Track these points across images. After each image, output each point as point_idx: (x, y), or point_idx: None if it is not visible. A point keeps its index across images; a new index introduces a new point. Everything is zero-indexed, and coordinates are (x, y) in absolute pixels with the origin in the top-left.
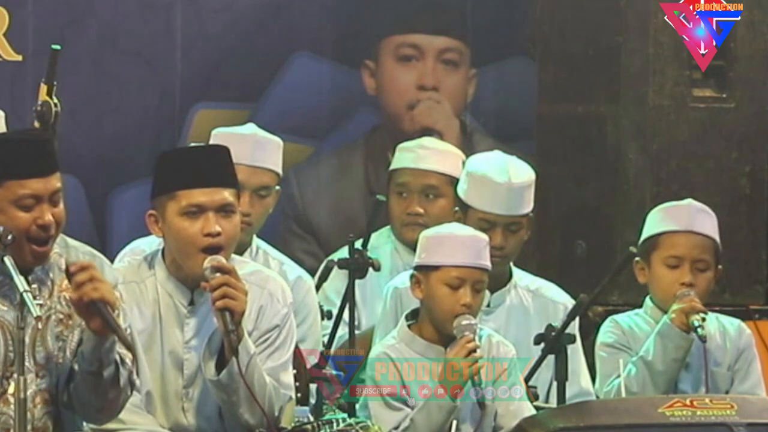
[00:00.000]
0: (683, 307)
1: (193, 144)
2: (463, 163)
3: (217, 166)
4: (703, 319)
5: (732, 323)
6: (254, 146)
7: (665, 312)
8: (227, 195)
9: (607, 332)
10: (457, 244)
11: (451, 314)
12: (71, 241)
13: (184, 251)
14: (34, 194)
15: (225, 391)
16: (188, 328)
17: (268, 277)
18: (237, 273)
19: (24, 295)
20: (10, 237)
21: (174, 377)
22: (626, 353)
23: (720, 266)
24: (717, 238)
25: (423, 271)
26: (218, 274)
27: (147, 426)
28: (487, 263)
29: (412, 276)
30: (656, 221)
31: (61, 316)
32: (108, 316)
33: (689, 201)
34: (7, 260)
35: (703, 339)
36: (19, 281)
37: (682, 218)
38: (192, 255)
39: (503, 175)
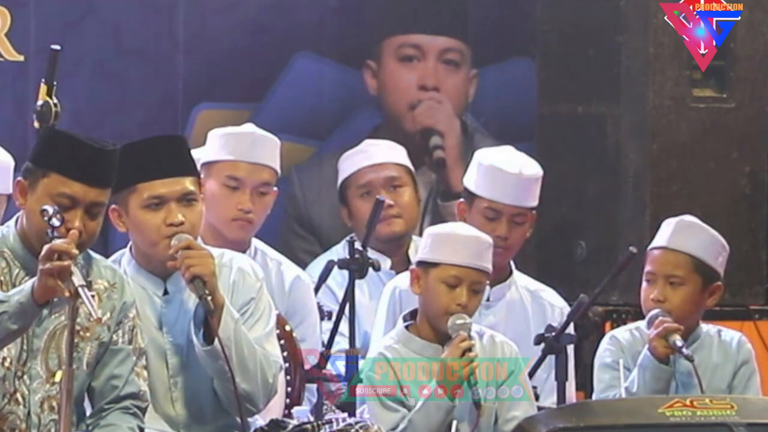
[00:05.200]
0: (657, 332)
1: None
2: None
3: (174, 156)
4: (679, 333)
5: (733, 337)
6: (253, 143)
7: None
8: (187, 184)
9: (605, 350)
10: (458, 243)
11: (446, 312)
12: (94, 255)
13: (149, 241)
14: (72, 196)
15: (218, 359)
16: (166, 318)
17: (234, 255)
18: (195, 242)
19: (80, 290)
20: (58, 217)
21: (159, 368)
22: (624, 375)
23: (718, 283)
24: (700, 253)
25: (423, 266)
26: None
27: (154, 425)
28: (487, 265)
29: (411, 270)
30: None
31: (78, 328)
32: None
33: (680, 217)
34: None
35: (690, 359)
36: (77, 275)
37: (662, 235)
38: (158, 242)
39: (514, 167)
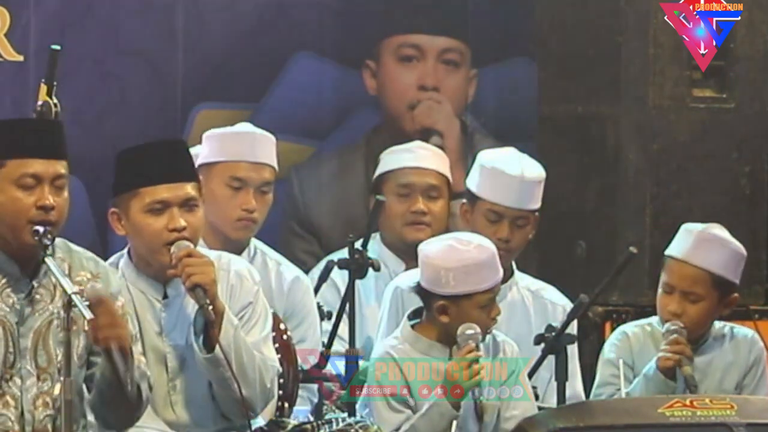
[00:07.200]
0: (672, 350)
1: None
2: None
3: (177, 161)
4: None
5: (745, 335)
6: (254, 143)
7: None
8: (190, 189)
9: (612, 345)
10: (482, 269)
11: (486, 329)
12: (74, 247)
13: (150, 247)
14: (35, 174)
15: (219, 366)
16: (165, 322)
17: (231, 259)
18: (195, 250)
19: (74, 297)
20: (49, 237)
21: (158, 372)
22: (626, 373)
23: (735, 294)
24: (721, 270)
25: (453, 299)
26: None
27: (152, 425)
28: (501, 273)
29: (439, 306)
30: (673, 240)
31: None
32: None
33: (704, 227)
34: (49, 261)
35: (694, 390)
36: (66, 283)
37: (684, 246)
38: (158, 249)
39: (516, 169)
